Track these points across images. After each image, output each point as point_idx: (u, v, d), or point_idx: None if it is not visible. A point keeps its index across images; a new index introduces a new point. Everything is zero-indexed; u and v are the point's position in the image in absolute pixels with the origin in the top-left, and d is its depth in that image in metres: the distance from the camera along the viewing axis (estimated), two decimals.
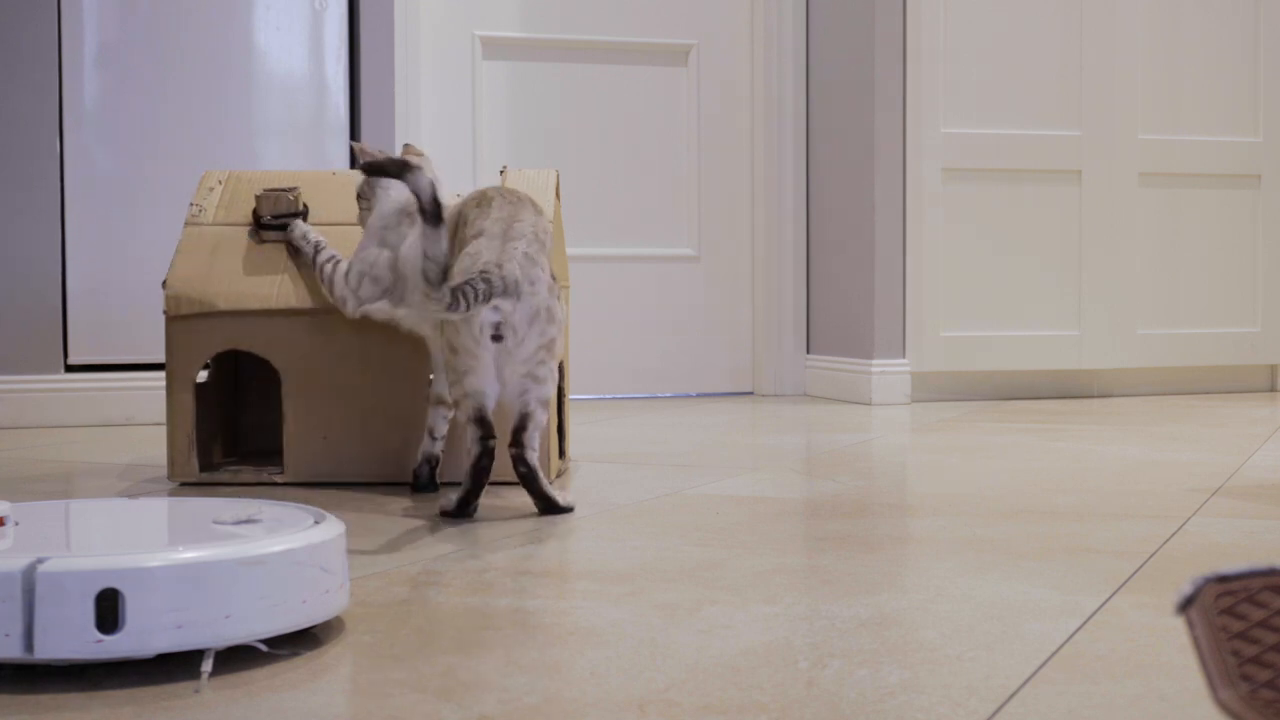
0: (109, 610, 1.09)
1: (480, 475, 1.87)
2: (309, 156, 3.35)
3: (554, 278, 1.93)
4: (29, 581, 1.08)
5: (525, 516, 1.91)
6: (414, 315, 2.10)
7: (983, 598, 1.39)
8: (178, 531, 1.29)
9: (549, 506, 1.92)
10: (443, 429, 2.15)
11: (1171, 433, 2.96)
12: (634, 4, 4.00)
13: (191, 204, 2.38)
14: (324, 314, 2.20)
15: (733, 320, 4.12)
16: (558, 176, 2.43)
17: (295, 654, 1.19)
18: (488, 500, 2.01)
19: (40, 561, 1.09)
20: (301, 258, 2.25)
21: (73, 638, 1.08)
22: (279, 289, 2.23)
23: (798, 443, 2.82)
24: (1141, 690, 1.07)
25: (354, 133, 3.46)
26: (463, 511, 1.88)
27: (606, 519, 1.89)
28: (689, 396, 4.05)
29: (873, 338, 3.73)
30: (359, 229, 2.23)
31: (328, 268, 2.17)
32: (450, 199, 2.23)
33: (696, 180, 4.07)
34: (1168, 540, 1.71)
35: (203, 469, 2.26)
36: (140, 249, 3.29)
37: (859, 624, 1.28)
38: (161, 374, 3.27)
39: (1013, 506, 1.98)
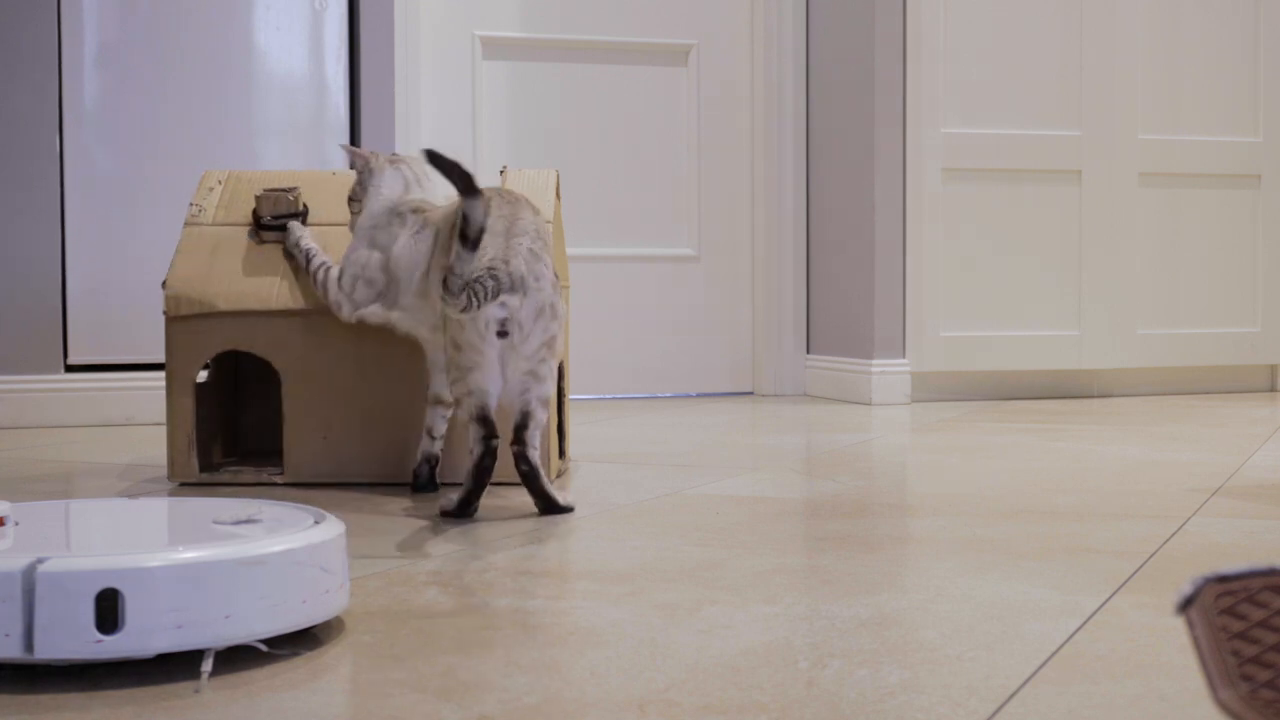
0: (109, 610, 1.09)
1: (482, 475, 1.87)
2: (309, 156, 3.35)
3: (556, 276, 1.93)
4: (29, 581, 1.08)
5: (525, 516, 1.91)
6: (409, 318, 2.10)
7: (983, 598, 1.39)
8: (178, 531, 1.29)
9: (549, 506, 1.92)
10: (441, 428, 2.15)
11: (1171, 433, 2.96)
12: (634, 4, 4.00)
13: (191, 204, 2.38)
14: (324, 314, 2.20)
15: (733, 320, 4.12)
16: (558, 176, 2.43)
17: (295, 654, 1.19)
18: (488, 500, 2.01)
19: (40, 561, 1.09)
20: (294, 264, 2.25)
21: (73, 638, 1.08)
22: (279, 289, 2.23)
23: (798, 443, 2.82)
24: (1141, 690, 1.07)
25: (354, 132, 3.46)
26: (464, 511, 1.88)
27: (606, 519, 1.89)
28: (689, 396, 4.05)
29: (873, 338, 3.73)
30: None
31: (320, 274, 2.17)
32: (442, 200, 2.23)
33: (696, 180, 4.07)
34: (1168, 540, 1.71)
35: (203, 469, 2.26)
36: (140, 249, 3.29)
37: (859, 624, 1.28)
38: (161, 374, 3.27)
39: (1013, 506, 1.98)
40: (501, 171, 2.42)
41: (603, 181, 3.99)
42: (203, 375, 2.28)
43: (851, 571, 1.52)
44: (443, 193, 2.26)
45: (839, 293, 3.92)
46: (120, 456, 2.65)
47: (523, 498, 2.03)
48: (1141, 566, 1.55)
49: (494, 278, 1.80)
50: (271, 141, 3.37)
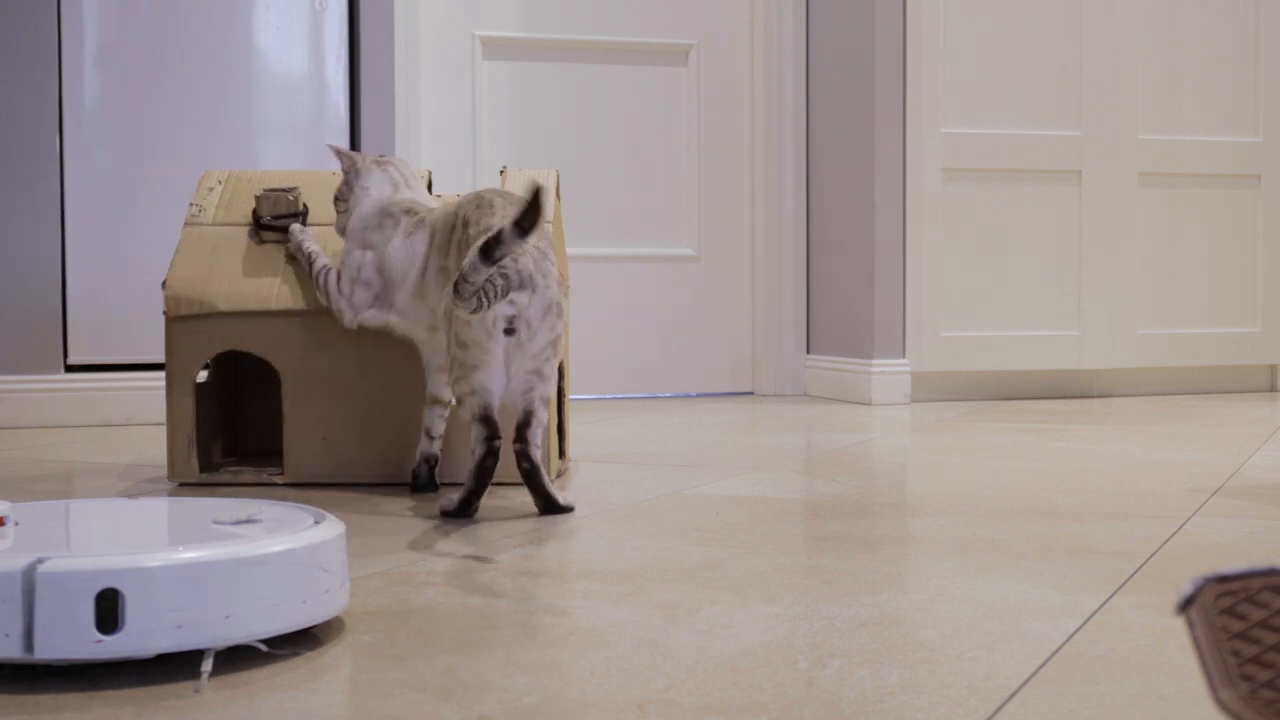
0: (109, 610, 1.09)
1: (484, 475, 1.87)
2: (309, 156, 3.35)
3: (560, 275, 1.93)
4: (29, 581, 1.08)
5: (525, 517, 1.91)
6: (405, 320, 2.10)
7: (983, 598, 1.39)
8: (178, 531, 1.29)
9: (549, 505, 1.92)
10: (440, 428, 2.15)
11: (1171, 433, 2.96)
12: (634, 4, 4.00)
13: (191, 204, 2.38)
14: (324, 314, 2.20)
15: (733, 320, 4.12)
16: (558, 176, 2.43)
17: (295, 654, 1.19)
18: (488, 500, 2.01)
19: (40, 561, 1.09)
20: (296, 267, 2.25)
21: (73, 638, 1.08)
22: (279, 289, 2.23)
23: (798, 443, 2.82)
24: (1141, 690, 1.07)
25: (354, 132, 3.46)
26: (464, 511, 1.88)
27: (606, 519, 1.89)
28: (689, 396, 4.05)
29: (873, 338, 3.73)
30: None
31: (322, 278, 2.17)
32: (432, 201, 2.23)
33: (696, 180, 4.07)
34: (1168, 540, 1.71)
35: (203, 469, 2.26)
36: (140, 249, 3.29)
37: (859, 624, 1.28)
38: (161, 374, 3.27)
39: (1013, 506, 1.98)
40: (501, 171, 2.42)
41: (603, 181, 3.99)
42: (203, 375, 2.28)
43: (851, 571, 1.52)
44: (428, 194, 2.26)
45: (839, 293, 3.92)
46: (120, 456, 2.65)
47: (522, 498, 2.03)
48: (1141, 566, 1.55)
49: (503, 276, 1.80)
50: (271, 141, 3.37)
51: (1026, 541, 1.70)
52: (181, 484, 2.23)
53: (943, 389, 3.80)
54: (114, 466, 2.49)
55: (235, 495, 2.11)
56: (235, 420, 2.49)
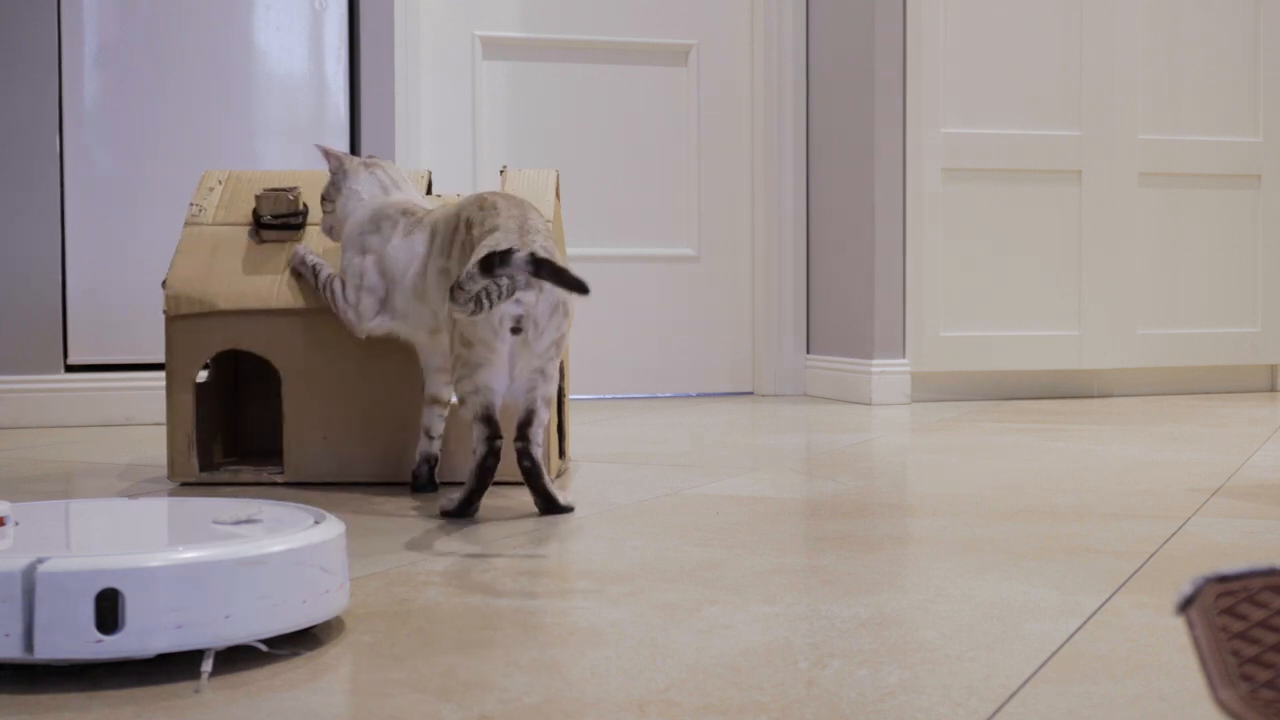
0: (109, 610, 1.09)
1: (485, 475, 1.86)
2: (309, 156, 3.35)
3: None
4: (29, 581, 1.08)
5: (525, 517, 1.91)
6: (408, 324, 2.10)
7: (983, 598, 1.39)
8: (178, 531, 1.29)
9: (550, 505, 1.92)
10: (439, 428, 2.15)
11: (1171, 433, 2.96)
12: (634, 4, 4.00)
13: (191, 204, 2.38)
14: (324, 314, 2.20)
15: (733, 320, 4.12)
16: (558, 176, 2.43)
17: (295, 654, 1.19)
18: (488, 500, 2.01)
19: (40, 561, 1.09)
20: (304, 282, 2.24)
21: (73, 638, 1.08)
22: (279, 289, 2.23)
23: (798, 443, 2.82)
24: (1141, 690, 1.07)
25: (354, 133, 3.46)
26: (464, 511, 1.88)
27: (606, 519, 1.89)
28: (689, 396, 4.05)
29: (873, 338, 3.73)
30: None
31: (329, 288, 2.16)
32: (426, 202, 2.23)
33: (696, 180, 4.07)
34: (1168, 540, 1.71)
35: (203, 469, 2.26)
36: (140, 249, 3.29)
37: (859, 624, 1.28)
38: (161, 374, 3.27)
39: (1013, 506, 1.98)
40: (501, 171, 2.42)
41: (603, 181, 3.99)
42: (203, 375, 2.28)
43: (851, 571, 1.52)
44: (420, 196, 2.26)
45: (839, 293, 3.92)
46: (120, 456, 2.65)
47: (523, 498, 2.03)
48: (1141, 566, 1.55)
49: (510, 277, 1.80)
50: (271, 141, 3.37)
51: (1026, 541, 1.70)
52: (181, 484, 2.23)
53: (943, 389, 3.80)
54: (114, 466, 2.49)
55: (235, 495, 2.11)
56: (235, 420, 2.49)
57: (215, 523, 1.28)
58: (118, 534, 1.28)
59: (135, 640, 1.09)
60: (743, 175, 4.11)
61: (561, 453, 2.37)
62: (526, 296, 1.82)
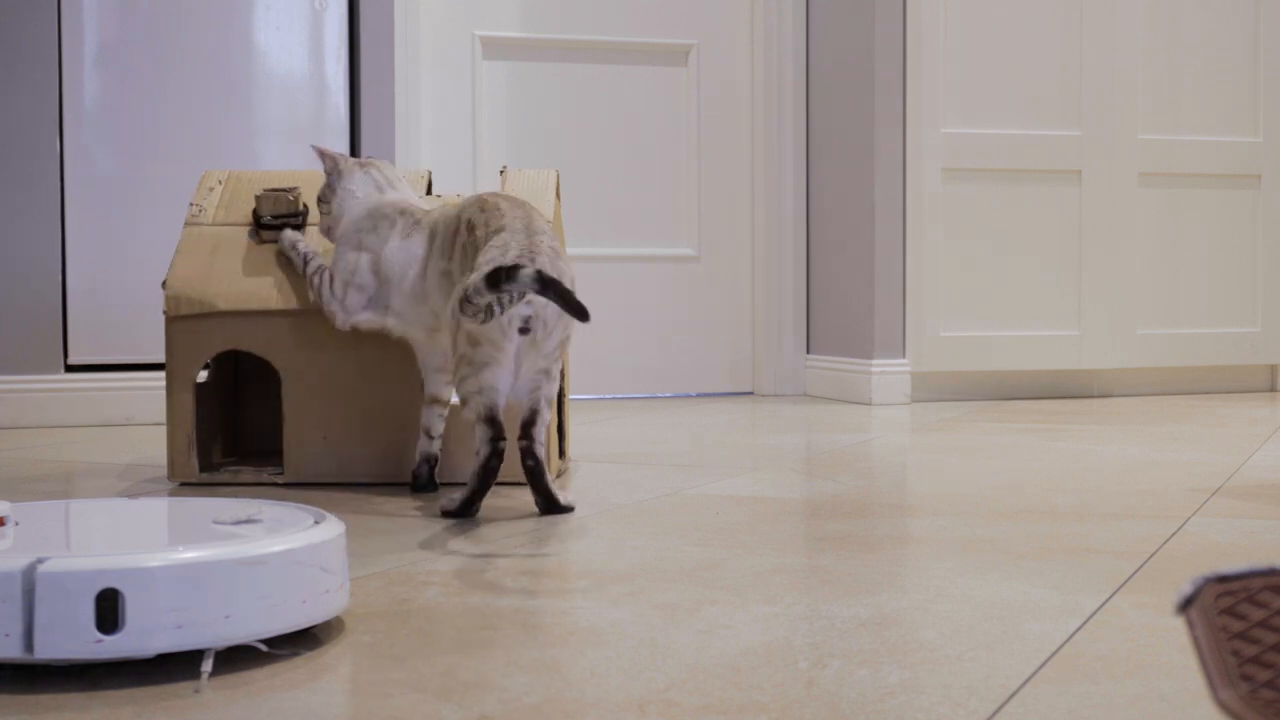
0: (109, 610, 1.09)
1: (488, 477, 1.86)
2: (309, 157, 3.35)
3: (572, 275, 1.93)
4: (29, 581, 1.08)
5: (525, 517, 1.91)
6: (402, 322, 2.10)
7: (983, 598, 1.39)
8: (178, 531, 1.29)
9: (550, 504, 1.92)
10: (439, 428, 2.15)
11: (1171, 433, 2.96)
12: (634, 4, 4.00)
13: (191, 204, 2.38)
14: (323, 314, 2.20)
15: (733, 320, 4.12)
16: (558, 176, 2.43)
17: (295, 654, 1.19)
18: (488, 500, 2.01)
19: (40, 561, 1.09)
20: (292, 267, 2.25)
21: (73, 638, 1.08)
22: (279, 289, 2.23)
23: (798, 443, 2.82)
24: (1141, 690, 1.07)
25: (354, 133, 3.46)
26: (466, 511, 1.88)
27: (606, 519, 1.89)
28: (689, 396, 4.05)
29: (873, 338, 3.73)
30: None
31: (316, 279, 2.16)
32: (423, 202, 2.23)
33: (696, 180, 4.07)
34: (1168, 540, 1.71)
35: (203, 469, 2.26)
36: (140, 249, 3.29)
37: (859, 624, 1.28)
38: (161, 374, 3.27)
39: (1013, 506, 1.98)
40: (501, 171, 2.42)
41: (603, 181, 3.99)
42: (203, 375, 2.28)
43: (851, 571, 1.52)
44: (416, 194, 2.26)
45: (839, 293, 3.92)
46: (120, 456, 2.65)
47: (523, 498, 2.03)
48: (1141, 566, 1.55)
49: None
50: (271, 141, 3.37)
51: (1026, 541, 1.70)
52: (181, 484, 2.23)
53: (943, 389, 3.80)
54: (114, 466, 2.49)
55: (235, 495, 2.11)
56: (235, 420, 2.49)
57: (215, 523, 1.28)
58: (118, 534, 1.28)
59: (135, 640, 1.09)
60: (743, 175, 4.11)
61: (561, 453, 2.37)
62: (537, 298, 1.82)
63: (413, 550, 1.66)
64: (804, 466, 2.44)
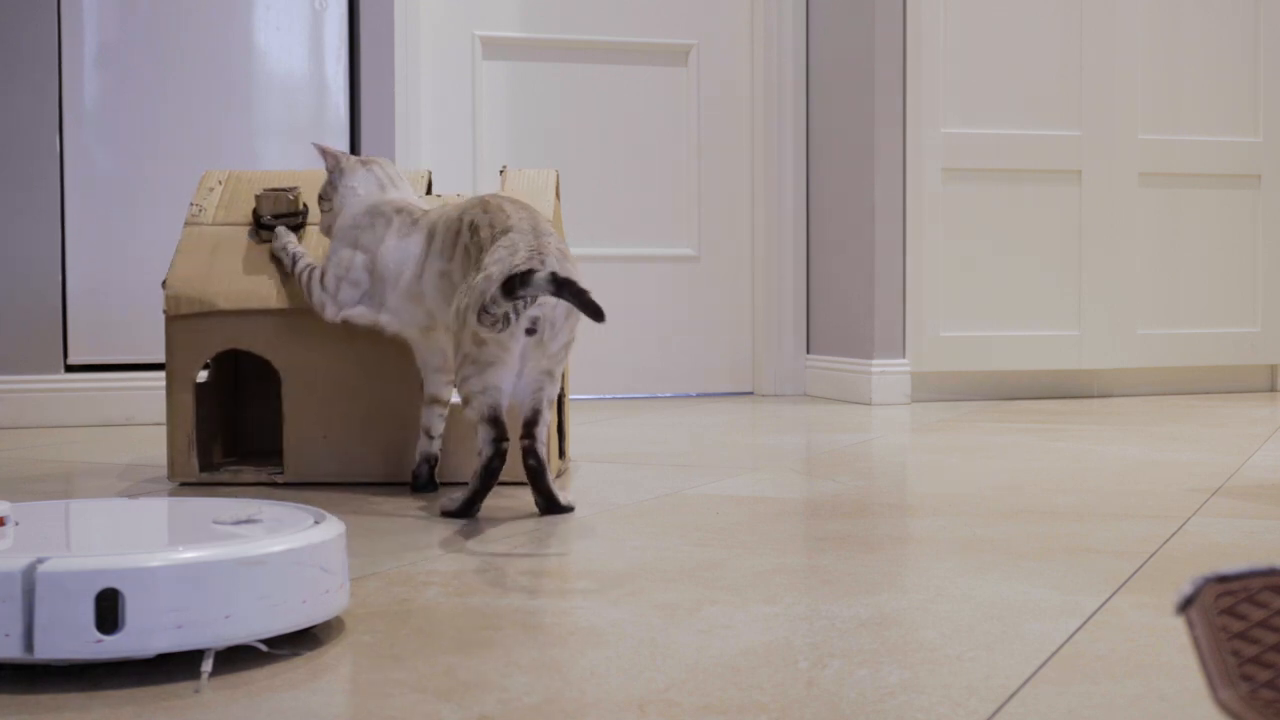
0: (109, 610, 1.09)
1: (490, 478, 1.86)
2: (309, 156, 3.35)
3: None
4: (29, 581, 1.08)
5: (525, 517, 1.91)
6: (397, 321, 2.09)
7: (983, 598, 1.39)
8: (178, 531, 1.29)
9: (550, 504, 1.92)
10: (439, 428, 2.15)
11: (1171, 433, 2.96)
12: (634, 4, 4.00)
13: (191, 204, 2.38)
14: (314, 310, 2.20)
15: (733, 320, 4.12)
16: (558, 176, 2.43)
17: (295, 654, 1.19)
18: (487, 500, 2.01)
19: (40, 561, 1.09)
20: (282, 268, 2.24)
21: (73, 638, 1.08)
22: (279, 288, 2.23)
23: (798, 443, 2.82)
24: (1141, 690, 1.07)
25: (354, 133, 3.46)
26: (467, 512, 1.88)
27: (606, 519, 1.89)
28: (689, 396, 4.05)
29: (873, 338, 3.73)
30: None
31: (304, 275, 2.16)
32: (423, 202, 2.23)
33: (696, 180, 4.07)
34: (1168, 540, 1.71)
35: (203, 469, 2.26)
36: (140, 249, 3.29)
37: (859, 624, 1.28)
38: (161, 374, 3.27)
39: (1013, 506, 1.98)
40: (501, 171, 2.42)
41: (603, 181, 3.99)
42: (203, 375, 2.28)
43: (851, 571, 1.52)
44: (416, 193, 2.26)
45: (839, 293, 3.92)
46: (120, 456, 2.65)
47: (522, 498, 2.03)
48: (1141, 566, 1.55)
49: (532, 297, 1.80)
50: (271, 141, 3.37)
51: (1026, 541, 1.70)
52: (181, 484, 2.23)
53: (943, 389, 3.80)
54: (114, 466, 2.49)
55: (235, 495, 2.11)
56: (235, 420, 2.49)
57: (215, 523, 1.28)
58: (118, 534, 1.28)
59: (135, 640, 1.09)
60: (743, 175, 4.11)
61: (561, 453, 2.37)
62: (546, 299, 1.82)
63: (413, 550, 1.66)
64: (804, 466, 2.44)
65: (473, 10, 3.88)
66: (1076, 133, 3.84)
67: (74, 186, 3.26)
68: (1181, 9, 3.94)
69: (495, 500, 2.03)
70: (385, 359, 2.22)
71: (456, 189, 3.82)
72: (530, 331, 1.83)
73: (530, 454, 1.88)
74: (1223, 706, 0.80)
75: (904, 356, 3.74)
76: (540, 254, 1.84)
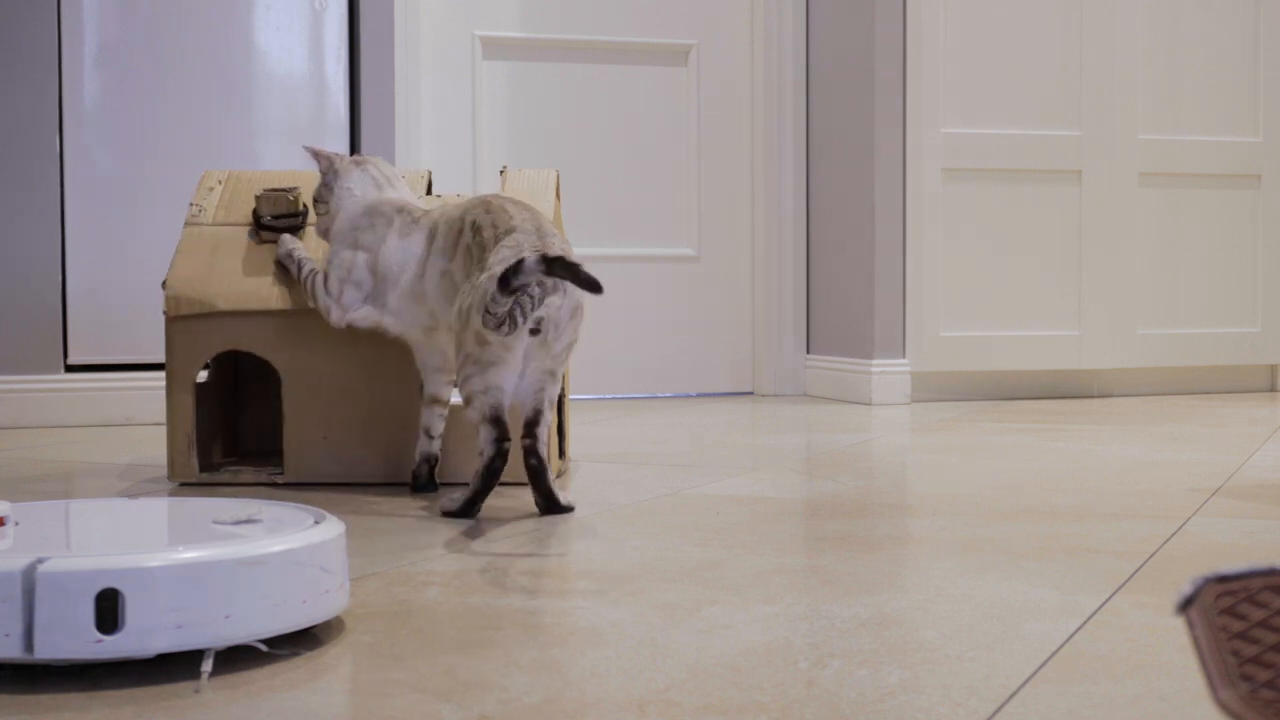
0: (109, 610, 1.09)
1: (492, 478, 1.86)
2: (308, 156, 3.34)
3: None
4: (29, 581, 1.08)
5: (525, 517, 1.91)
6: (400, 321, 2.09)
7: (983, 598, 1.39)
8: (178, 531, 1.29)
9: (551, 504, 1.92)
10: (439, 428, 2.15)
11: (1171, 433, 2.96)
12: (634, 4, 4.00)
13: (191, 204, 2.38)
14: (320, 314, 2.20)
15: (733, 320, 4.12)
16: (558, 176, 2.43)
17: (295, 654, 1.19)
18: (488, 500, 2.01)
19: (40, 561, 1.09)
20: (288, 274, 2.24)
21: (73, 638, 1.08)
22: (279, 289, 2.23)
23: (798, 443, 2.82)
24: (1141, 690, 1.07)
25: (354, 133, 3.46)
26: (467, 512, 1.88)
27: (606, 519, 1.89)
28: (689, 396, 4.05)
29: (873, 338, 3.73)
30: None
31: (309, 281, 2.15)
32: (422, 202, 2.23)
33: (696, 180, 4.07)
34: (1168, 540, 1.71)
35: (203, 469, 2.26)
36: (140, 249, 3.29)
37: (859, 624, 1.28)
38: (161, 374, 3.27)
39: (1013, 506, 1.98)
40: (501, 171, 2.42)
41: (603, 181, 3.99)
42: (203, 375, 2.28)
43: (851, 571, 1.52)
44: (413, 193, 2.25)
45: (839, 293, 3.92)
46: (120, 456, 2.65)
47: (523, 498, 2.03)
48: (1141, 566, 1.55)
49: (540, 285, 1.79)
50: (271, 141, 3.37)
51: (1026, 541, 1.70)
52: (181, 484, 2.23)
53: (943, 389, 3.80)
54: (114, 466, 2.49)
55: (235, 495, 2.11)
56: (235, 420, 2.49)
57: (215, 523, 1.28)
58: (118, 534, 1.28)
59: (135, 640, 1.09)
60: (743, 175, 4.11)
61: (561, 453, 2.37)
62: (552, 299, 1.82)
63: (413, 550, 1.66)
64: (804, 466, 2.44)
65: (473, 10, 3.88)
66: (1076, 133, 3.84)
67: (74, 186, 3.26)
68: (1181, 9, 3.94)
69: (495, 500, 2.03)
70: (385, 360, 2.22)
71: (456, 189, 3.82)
72: (534, 331, 1.83)
73: (531, 453, 1.88)
74: (1223, 706, 0.80)
75: (904, 356, 3.74)
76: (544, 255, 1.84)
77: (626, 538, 1.74)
